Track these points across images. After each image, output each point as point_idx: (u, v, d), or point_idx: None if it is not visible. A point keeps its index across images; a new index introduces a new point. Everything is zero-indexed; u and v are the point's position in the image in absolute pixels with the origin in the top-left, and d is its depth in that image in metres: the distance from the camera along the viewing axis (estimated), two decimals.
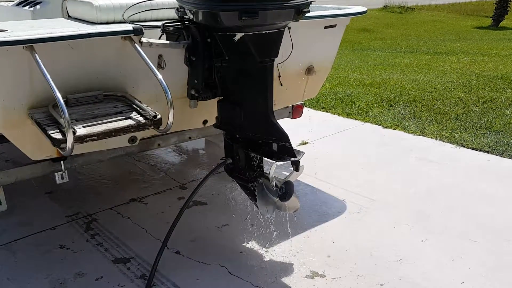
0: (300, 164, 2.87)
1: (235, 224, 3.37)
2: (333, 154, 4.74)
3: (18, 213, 3.54)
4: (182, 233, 3.24)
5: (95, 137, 2.32)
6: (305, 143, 5.02)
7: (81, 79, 2.59)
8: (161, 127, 2.51)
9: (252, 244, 3.14)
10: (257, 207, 2.81)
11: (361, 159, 4.61)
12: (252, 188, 2.93)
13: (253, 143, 2.83)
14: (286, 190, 2.84)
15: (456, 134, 5.25)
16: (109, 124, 2.39)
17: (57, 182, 3.01)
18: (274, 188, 2.81)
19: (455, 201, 3.74)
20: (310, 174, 4.21)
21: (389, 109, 6.19)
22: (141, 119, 2.46)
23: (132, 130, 2.43)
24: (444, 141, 5.10)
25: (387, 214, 3.55)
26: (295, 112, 4.26)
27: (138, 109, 2.56)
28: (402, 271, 2.87)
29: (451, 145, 5.00)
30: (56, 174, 3.00)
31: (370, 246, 3.12)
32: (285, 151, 2.70)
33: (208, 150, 4.95)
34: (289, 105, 4.09)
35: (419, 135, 5.31)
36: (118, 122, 2.43)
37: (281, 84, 3.39)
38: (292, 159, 2.67)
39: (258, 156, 2.84)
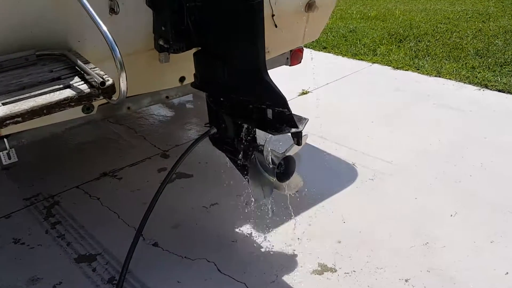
0: (303, 134, 2.25)
1: (226, 203, 2.80)
2: (339, 105, 4.09)
3: None
4: (162, 217, 2.68)
5: (19, 118, 1.68)
6: (305, 93, 4.36)
7: (7, 35, 1.92)
8: (114, 97, 1.86)
9: (247, 229, 2.59)
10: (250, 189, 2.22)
11: (371, 110, 3.97)
12: (242, 165, 2.33)
13: (241, 109, 2.20)
14: (285, 167, 2.24)
15: (478, 73, 4.57)
16: (40, 98, 1.73)
17: (4, 163, 2.40)
18: (270, 166, 2.21)
19: (486, 158, 3.15)
20: (312, 132, 3.58)
21: (399, 46, 5.46)
22: (84, 87, 1.80)
23: (72, 104, 1.78)
24: (465, 83, 4.44)
25: (406, 181, 2.97)
26: (294, 57, 3.57)
27: (82, 73, 1.89)
28: (430, 260, 2.33)
29: (473, 87, 4.34)
30: (0, 153, 2.40)
31: (388, 226, 2.57)
32: (283, 120, 2.07)
33: (198, 104, 4.29)
34: (286, 51, 3.39)
35: (435, 76, 4.63)
36: (52, 94, 1.77)
37: (276, 26, 2.70)
38: (293, 130, 2.04)
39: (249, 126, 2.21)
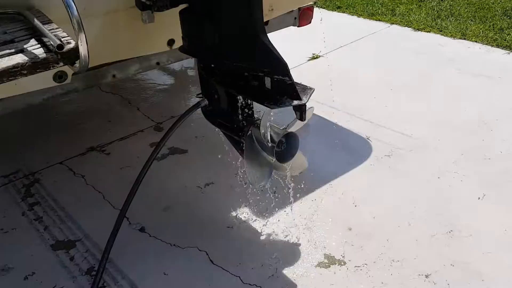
0: (308, 107, 1.92)
1: (223, 182, 2.50)
2: (353, 71, 3.71)
3: None
4: (151, 198, 2.40)
5: None
6: (316, 57, 3.97)
7: None
8: (77, 64, 1.53)
9: (245, 214, 2.29)
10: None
11: (389, 76, 3.58)
12: (239, 142, 2.02)
13: (235, 77, 1.86)
14: (287, 146, 1.92)
15: (507, 35, 4.12)
16: None
17: None
18: (269, 144, 1.88)
19: None
20: (322, 101, 3.23)
21: (419, 5, 4.97)
22: (39, 51, 1.49)
23: (25, 72, 1.47)
24: (492, 46, 4.01)
25: (428, 158, 2.63)
26: (303, 17, 3.20)
27: (40, 34, 1.57)
28: (454, 252, 2.02)
29: (502, 50, 3.92)
30: None
31: (406, 211, 2.25)
32: (284, 90, 1.73)
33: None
34: (294, 9, 3.02)
35: (460, 38, 4.19)
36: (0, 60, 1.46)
37: None
38: (295, 102, 1.71)
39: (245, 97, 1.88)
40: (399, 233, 2.13)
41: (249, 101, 1.92)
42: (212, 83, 2.00)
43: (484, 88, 3.35)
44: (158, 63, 2.71)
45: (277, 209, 2.28)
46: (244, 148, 1.90)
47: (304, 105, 1.71)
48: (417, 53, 3.95)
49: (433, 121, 2.97)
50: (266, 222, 2.23)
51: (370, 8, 5.01)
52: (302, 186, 2.31)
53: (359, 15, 4.90)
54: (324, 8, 5.19)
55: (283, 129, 1.91)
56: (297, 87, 1.72)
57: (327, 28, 4.58)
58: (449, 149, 2.68)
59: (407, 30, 4.44)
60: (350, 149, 2.73)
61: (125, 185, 2.49)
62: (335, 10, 5.12)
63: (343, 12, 5.05)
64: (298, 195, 2.32)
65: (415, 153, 2.68)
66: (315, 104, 3.22)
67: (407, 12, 4.81)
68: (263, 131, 1.87)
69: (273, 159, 1.92)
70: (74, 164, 2.73)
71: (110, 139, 2.96)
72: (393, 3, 5.07)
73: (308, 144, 2.74)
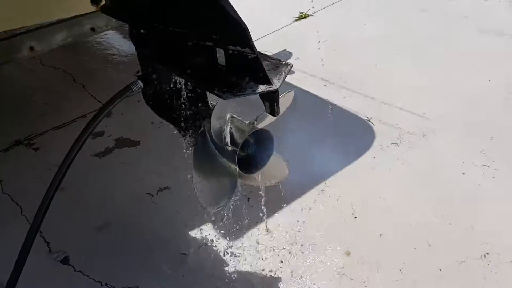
0: (286, 91, 1.31)
1: (182, 187, 1.90)
2: (349, 33, 3.05)
3: None
4: (83, 211, 1.81)
5: None
6: (304, 17, 3.29)
7: None
8: None
9: (206, 233, 1.71)
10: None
11: (392, 39, 2.93)
12: (187, 141, 1.41)
13: (174, 50, 1.24)
14: (256, 149, 1.31)
15: None
16: None
17: None
18: (229, 148, 1.27)
19: None
20: (311, 72, 2.60)
21: None
22: None
23: None
24: None
25: (447, 145, 2.03)
26: None
27: None
28: (492, 285, 1.46)
29: None
30: None
31: (423, 225, 1.68)
32: (245, 68, 1.11)
33: None
34: None
35: None
36: None
37: None
38: (261, 87, 1.08)
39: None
40: (416, 259, 1.56)
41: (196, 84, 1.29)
42: (146, 57, 1.38)
43: (510, 50, 2.72)
44: (93, 29, 2.06)
45: (249, 225, 1.69)
46: (192, 153, 1.29)
47: (276, 92, 1.09)
48: (423, 10, 3.28)
49: (451, 95, 2.35)
50: (234, 246, 1.64)
51: None
52: (281, 190, 1.72)
53: None
54: None
55: (249, 123, 1.30)
56: (265, 64, 1.10)
57: None
58: (474, 132, 2.08)
59: None
60: (347, 137, 2.12)
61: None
62: None
63: None
64: (278, 204, 1.73)
65: (430, 139, 2.08)
66: (302, 76, 2.61)
67: None
68: (218, 126, 1.26)
69: (235, 169, 1.32)
70: None
71: (42, 129, 2.33)
72: None
73: (291, 132, 2.12)
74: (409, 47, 2.82)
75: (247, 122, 1.31)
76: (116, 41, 3.17)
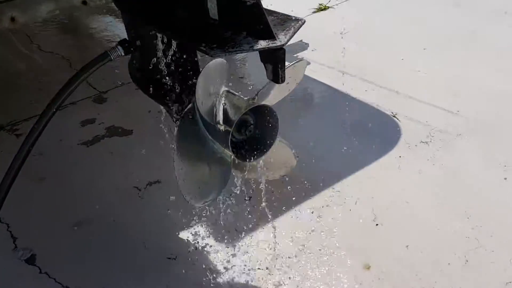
0: (298, 59, 1.05)
1: (174, 181, 1.65)
2: (372, 25, 2.78)
3: None
4: (58, 205, 1.57)
5: None
6: (324, 8, 3.04)
7: None
8: None
9: (198, 236, 1.45)
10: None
11: (421, 32, 2.66)
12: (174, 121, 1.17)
13: (161, 4, 0.99)
14: (256, 131, 1.05)
15: None
16: None
17: None
18: (221, 128, 1.01)
19: None
20: (331, 64, 2.35)
21: None
22: None
23: None
24: None
25: (486, 146, 1.75)
26: None
27: None
28: None
29: None
30: None
31: (460, 236, 1.39)
32: (242, 21, 0.85)
33: None
34: None
35: None
36: None
37: None
38: (262, 43, 0.82)
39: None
40: (450, 277, 1.27)
41: (184, 46, 1.04)
42: (130, 20, 1.14)
43: None
44: (84, 2, 1.85)
45: (249, 228, 1.43)
46: (176, 131, 1.04)
47: (281, 49, 0.83)
48: (456, 4, 2.99)
49: (487, 91, 2.06)
50: (229, 252, 1.38)
51: None
52: (290, 189, 1.46)
53: None
54: None
55: (248, 99, 1.04)
56: (269, 19, 0.84)
57: None
58: (508, 135, 1.80)
59: None
60: (368, 133, 1.85)
61: (32, 183, 1.69)
62: None
63: None
64: (283, 203, 1.47)
65: (466, 139, 1.79)
66: (318, 67, 2.35)
67: None
68: (209, 103, 1.00)
69: (230, 155, 1.06)
70: None
71: (29, 114, 2.11)
72: None
73: (304, 125, 1.87)
74: (440, 41, 2.54)
75: (246, 98, 1.05)
76: (117, 25, 2.95)
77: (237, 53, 0.81)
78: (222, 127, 1.02)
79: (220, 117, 1.01)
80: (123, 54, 1.17)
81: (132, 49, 1.15)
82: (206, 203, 1.08)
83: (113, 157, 1.81)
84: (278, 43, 0.82)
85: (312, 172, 1.63)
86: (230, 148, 1.00)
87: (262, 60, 0.87)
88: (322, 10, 3.02)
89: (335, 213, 1.49)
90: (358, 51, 2.45)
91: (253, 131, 1.05)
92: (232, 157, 1.06)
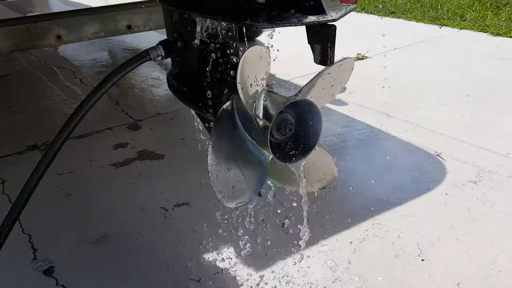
0: (346, 57, 0.99)
1: (203, 204, 1.56)
2: (414, 74, 2.74)
3: None
4: (81, 220, 1.51)
5: None
6: (362, 58, 3.04)
7: None
8: None
9: (228, 259, 1.34)
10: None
11: (464, 81, 2.59)
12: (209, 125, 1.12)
13: None
14: (297, 131, 0.97)
15: None
16: None
17: None
18: (260, 123, 0.94)
19: None
20: (372, 106, 2.29)
21: (496, 13, 3.98)
22: None
23: None
24: None
25: None
26: None
27: None
28: None
29: None
30: None
31: (510, 269, 1.23)
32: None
33: None
34: None
35: None
36: None
37: None
38: (311, 17, 0.78)
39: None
40: None
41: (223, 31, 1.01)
42: (168, 10, 1.13)
43: None
44: (129, 27, 1.89)
45: (281, 256, 1.31)
46: (212, 127, 0.98)
47: (332, 26, 0.78)
48: (501, 58, 2.94)
49: None
50: (257, 277, 1.25)
51: (433, 12, 4.07)
52: (328, 217, 1.35)
53: (418, 20, 3.97)
54: (374, 13, 4.31)
55: (289, 97, 0.98)
56: None
57: (376, 31, 3.69)
58: None
59: (483, 35, 3.45)
60: (412, 169, 1.74)
61: (55, 198, 1.64)
62: (388, 16, 4.21)
63: (398, 17, 4.14)
64: (318, 234, 1.35)
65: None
66: (357, 107, 2.29)
67: (481, 17, 3.83)
68: (249, 96, 0.94)
69: (268, 155, 0.98)
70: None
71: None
72: (462, 9, 4.11)
73: (347, 156, 1.78)
74: (484, 90, 2.45)
75: (282, 97, 0.99)
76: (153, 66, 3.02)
77: (285, 26, 0.76)
78: (261, 122, 0.95)
79: (260, 110, 0.95)
80: (163, 54, 1.14)
81: (174, 48, 1.13)
82: (238, 205, 0.99)
83: (142, 178, 1.75)
84: (329, 17, 0.77)
85: (352, 204, 1.52)
86: (269, 145, 0.92)
87: (309, 41, 0.82)
88: (360, 59, 3.02)
89: (376, 246, 1.36)
90: (398, 95, 2.39)
91: (294, 131, 0.98)
92: (270, 158, 0.99)
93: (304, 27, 0.82)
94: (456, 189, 1.62)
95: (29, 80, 2.88)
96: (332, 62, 0.81)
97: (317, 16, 0.77)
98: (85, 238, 1.44)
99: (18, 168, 1.85)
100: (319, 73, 0.99)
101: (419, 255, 1.32)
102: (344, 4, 0.87)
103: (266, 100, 0.97)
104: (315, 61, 0.83)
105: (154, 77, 2.84)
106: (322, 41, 0.79)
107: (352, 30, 3.28)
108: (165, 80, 2.48)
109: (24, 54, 3.29)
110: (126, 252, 1.38)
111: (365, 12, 4.37)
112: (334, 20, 0.77)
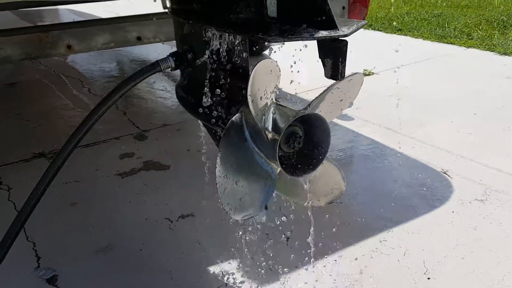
0: (355, 73, 0.99)
1: (209, 215, 1.56)
2: (420, 91, 2.74)
3: None
4: (85, 229, 1.50)
5: None
6: (369, 74, 3.05)
7: None
8: None
9: (231, 274, 1.33)
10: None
11: (471, 99, 2.59)
12: (217, 135, 1.12)
13: (216, 7, 0.99)
14: (305, 144, 0.97)
15: None
16: None
17: None
18: (270, 135, 0.95)
19: None
20: (377, 122, 2.29)
21: (503, 32, 4.00)
22: None
23: None
24: None
25: None
26: (354, 8, 2.35)
27: None
28: None
29: None
30: None
31: None
32: (302, 13, 0.82)
33: None
34: None
35: None
36: None
37: None
38: (323, 32, 0.78)
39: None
40: None
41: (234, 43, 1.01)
42: (179, 23, 1.14)
43: None
44: (139, 38, 1.90)
45: (286, 271, 1.30)
46: (221, 138, 0.98)
47: (343, 41, 0.78)
48: (508, 77, 2.94)
49: None
50: None
51: (440, 31, 4.10)
52: (335, 231, 1.34)
53: (425, 38, 3.99)
54: (381, 31, 4.34)
55: (298, 111, 0.98)
56: (331, 8, 0.81)
57: (382, 48, 3.72)
58: None
59: (490, 54, 3.46)
60: (418, 186, 1.73)
61: (60, 207, 1.64)
62: (395, 33, 4.24)
63: (405, 35, 4.16)
64: (324, 250, 1.34)
65: None
66: (362, 123, 2.29)
67: (488, 36, 3.85)
68: (259, 109, 0.94)
69: (277, 168, 0.98)
70: (5, 172, 1.90)
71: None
72: (468, 28, 4.13)
73: (352, 173, 1.77)
74: (492, 108, 2.45)
75: (292, 110, 0.99)
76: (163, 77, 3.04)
77: (297, 40, 0.77)
78: (270, 135, 0.95)
79: (269, 123, 0.95)
80: (173, 65, 1.15)
81: (183, 60, 1.13)
82: (245, 218, 0.98)
83: (147, 188, 1.75)
84: (340, 32, 0.77)
85: (357, 220, 1.52)
86: (277, 158, 0.92)
87: (321, 55, 0.82)
88: (367, 75, 3.03)
89: (382, 263, 1.35)
90: (405, 111, 2.39)
91: (302, 145, 0.98)
92: (278, 170, 0.99)
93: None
94: (463, 207, 1.61)
95: (38, 89, 2.91)
96: (342, 77, 0.81)
97: (329, 31, 0.78)
98: (89, 247, 1.44)
99: (24, 175, 1.86)
100: (329, 87, 0.99)
101: (425, 273, 1.31)
102: (355, 20, 0.87)
103: (275, 113, 0.98)
104: (326, 75, 0.83)
105: (161, 88, 2.85)
106: (334, 56, 0.80)
107: (359, 46, 3.29)
108: (173, 92, 2.48)
109: (33, 62, 3.33)
110: (130, 263, 1.37)
111: (372, 29, 4.40)
112: (346, 35, 0.77)
